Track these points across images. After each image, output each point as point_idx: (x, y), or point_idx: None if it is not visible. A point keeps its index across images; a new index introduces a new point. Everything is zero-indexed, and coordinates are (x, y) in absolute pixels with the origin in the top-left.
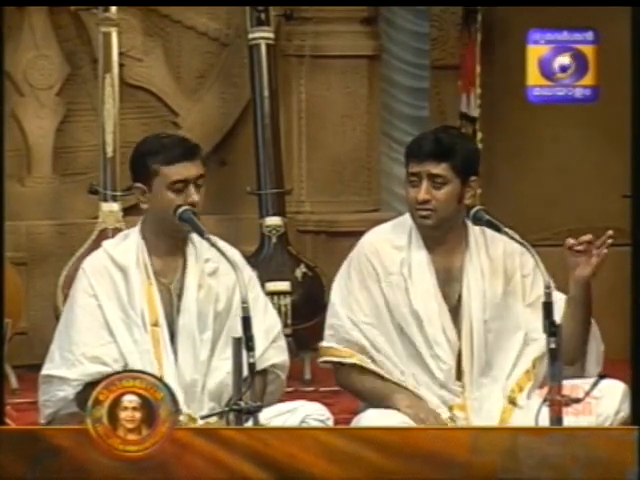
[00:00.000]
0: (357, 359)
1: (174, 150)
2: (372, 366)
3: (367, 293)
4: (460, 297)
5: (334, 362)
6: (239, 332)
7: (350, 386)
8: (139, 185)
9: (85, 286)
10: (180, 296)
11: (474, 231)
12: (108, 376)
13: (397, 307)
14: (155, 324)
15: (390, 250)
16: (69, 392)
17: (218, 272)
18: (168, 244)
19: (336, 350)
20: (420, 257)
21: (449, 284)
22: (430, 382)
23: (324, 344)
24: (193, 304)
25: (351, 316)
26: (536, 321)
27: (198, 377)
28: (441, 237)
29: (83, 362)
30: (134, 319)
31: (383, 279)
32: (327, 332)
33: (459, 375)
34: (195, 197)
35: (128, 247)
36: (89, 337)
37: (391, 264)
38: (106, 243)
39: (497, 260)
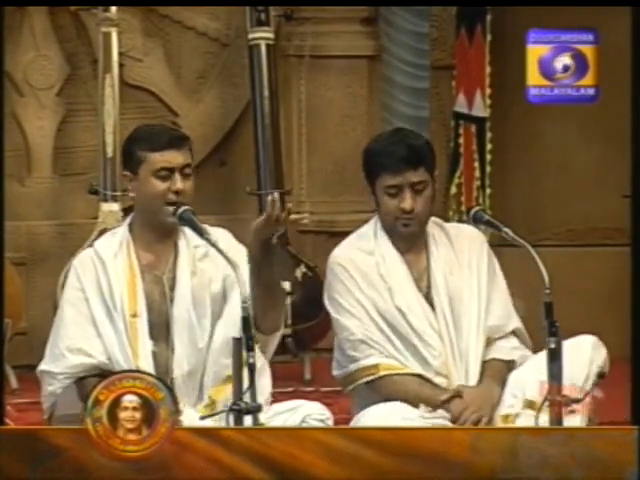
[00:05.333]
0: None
1: (161, 138)
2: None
3: (358, 303)
4: (429, 294)
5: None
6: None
7: (394, 396)
8: (126, 172)
9: (73, 281)
10: (173, 286)
11: (433, 230)
12: (103, 375)
13: (383, 305)
14: (134, 315)
15: (363, 255)
16: (57, 387)
17: (208, 255)
18: (158, 235)
19: (390, 365)
20: (392, 256)
21: (419, 283)
22: (427, 374)
23: (371, 362)
24: (187, 293)
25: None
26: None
27: (198, 365)
28: (409, 240)
29: (66, 355)
30: (112, 311)
31: (361, 282)
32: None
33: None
34: (180, 185)
35: (112, 241)
36: (74, 330)
37: (367, 267)
38: (97, 241)
39: (462, 256)
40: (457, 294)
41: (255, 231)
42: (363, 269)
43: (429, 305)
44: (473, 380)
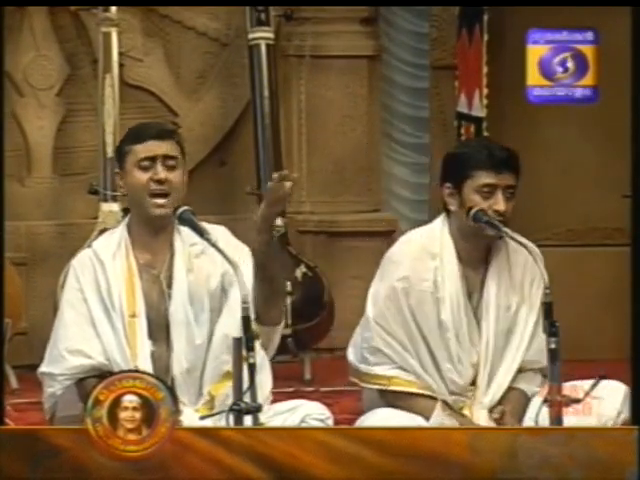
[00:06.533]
0: (418, 387)
1: (145, 131)
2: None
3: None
4: (478, 309)
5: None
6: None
7: (401, 407)
8: (117, 170)
9: (72, 281)
10: (170, 285)
11: (496, 243)
12: (103, 376)
13: (424, 317)
14: (132, 315)
15: (425, 257)
16: (57, 388)
17: (205, 252)
18: (152, 231)
19: (403, 381)
20: (453, 268)
21: (471, 296)
22: (445, 391)
23: (385, 372)
24: (184, 290)
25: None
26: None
27: (197, 363)
28: (477, 249)
29: (66, 356)
30: (111, 311)
31: (415, 286)
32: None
33: (472, 381)
34: (162, 175)
35: (111, 241)
36: (73, 331)
37: (425, 272)
38: (95, 241)
39: (516, 273)
40: (505, 315)
41: (263, 212)
42: (421, 273)
43: (476, 320)
44: (490, 404)
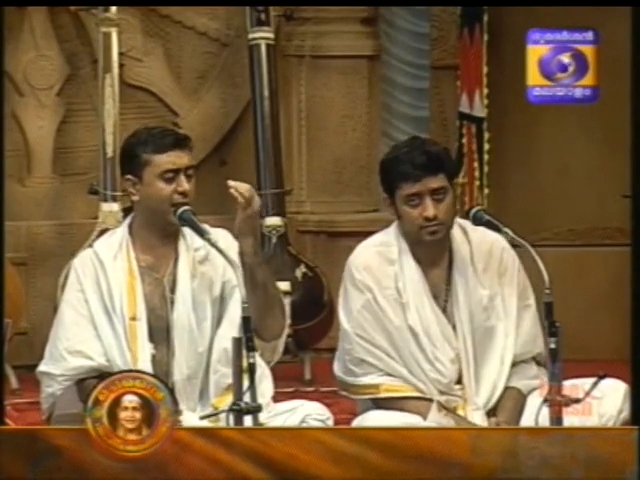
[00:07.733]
0: (408, 391)
1: (165, 139)
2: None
3: (372, 315)
4: (447, 308)
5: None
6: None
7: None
8: (129, 177)
9: (73, 281)
10: (173, 289)
11: (456, 239)
12: (103, 376)
13: (396, 322)
14: (133, 318)
15: (383, 264)
16: (56, 388)
17: (208, 258)
18: (159, 237)
19: (392, 386)
20: (412, 271)
21: (437, 296)
22: (434, 392)
23: (372, 381)
24: (187, 295)
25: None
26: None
27: (197, 370)
28: (432, 250)
29: (66, 357)
30: (112, 314)
31: (377, 294)
32: (361, 366)
33: (458, 379)
34: (186, 186)
35: (112, 242)
36: (73, 332)
37: (385, 279)
38: (96, 241)
39: (480, 267)
40: (478, 309)
41: (239, 226)
42: (382, 281)
43: (448, 320)
44: (485, 404)
